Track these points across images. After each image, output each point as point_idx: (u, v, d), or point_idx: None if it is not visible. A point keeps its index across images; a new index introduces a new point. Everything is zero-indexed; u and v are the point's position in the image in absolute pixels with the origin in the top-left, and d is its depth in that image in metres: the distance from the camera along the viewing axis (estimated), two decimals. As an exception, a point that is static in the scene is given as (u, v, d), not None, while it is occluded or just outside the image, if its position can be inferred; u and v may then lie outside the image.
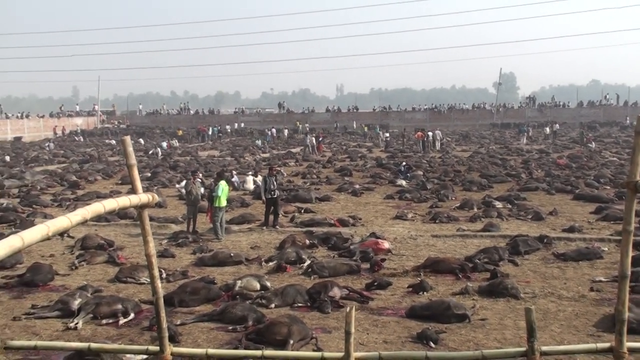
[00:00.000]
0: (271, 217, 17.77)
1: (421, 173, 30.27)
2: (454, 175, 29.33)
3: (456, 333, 9.15)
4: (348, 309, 4.63)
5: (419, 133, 48.74)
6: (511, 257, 13.53)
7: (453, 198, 22.81)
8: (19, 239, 2.40)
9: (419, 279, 11.79)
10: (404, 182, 27.06)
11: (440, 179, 28.08)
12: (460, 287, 11.31)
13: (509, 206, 20.68)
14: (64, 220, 2.84)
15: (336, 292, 10.80)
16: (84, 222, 3.14)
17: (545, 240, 14.73)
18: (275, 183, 17.86)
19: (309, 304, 10.59)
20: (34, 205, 22.41)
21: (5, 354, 4.46)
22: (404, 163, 31.93)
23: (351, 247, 14.51)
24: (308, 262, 13.25)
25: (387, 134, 52.87)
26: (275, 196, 17.73)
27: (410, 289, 11.33)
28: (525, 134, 54.95)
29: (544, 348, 4.75)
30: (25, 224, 17.69)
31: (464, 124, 72.70)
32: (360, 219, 18.75)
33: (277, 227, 17.44)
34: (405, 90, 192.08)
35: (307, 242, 15.08)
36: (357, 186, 25.85)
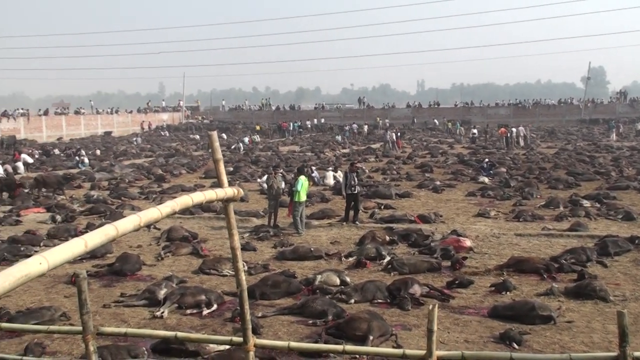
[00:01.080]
0: (351, 213, 17.77)
1: (504, 170, 29.55)
2: (538, 173, 28.48)
3: (541, 335, 8.90)
4: (430, 307, 4.57)
5: (502, 129, 47.61)
6: (600, 258, 13.02)
7: (538, 196, 22.16)
8: (114, 228, 2.48)
9: (502, 278, 11.53)
10: (486, 179, 26.51)
11: (524, 177, 27.32)
12: (545, 288, 10.98)
13: (598, 205, 19.91)
14: (154, 212, 2.92)
15: (416, 290, 10.70)
16: (172, 214, 3.22)
17: (636, 242, 14.07)
18: (356, 179, 17.83)
19: (388, 301, 10.54)
20: (122, 198, 23.25)
21: (96, 339, 4.63)
22: (487, 160, 31.31)
23: (432, 244, 14.34)
24: (388, 258, 13.18)
25: (475, 130, 51.56)
26: (356, 192, 17.70)
27: (493, 289, 11.09)
28: (615, 130, 52.75)
29: (636, 354, 4.54)
30: (115, 215, 18.40)
31: (549, 120, 70.44)
32: (441, 215, 18.50)
33: (357, 223, 17.43)
34: (488, 85, 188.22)
35: (387, 238, 15.01)
36: (438, 183, 25.52)
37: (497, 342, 8.63)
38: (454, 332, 9.05)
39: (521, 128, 48.15)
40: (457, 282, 11.43)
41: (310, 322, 9.54)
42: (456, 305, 10.38)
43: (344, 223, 17.56)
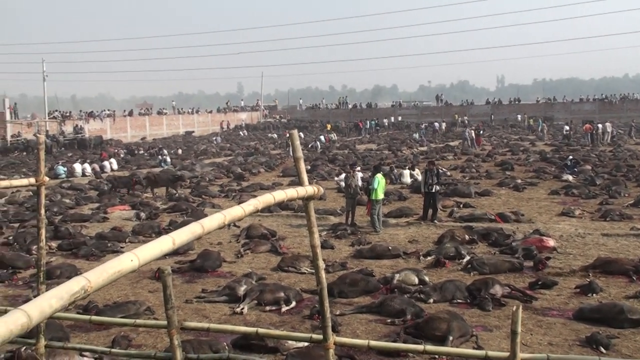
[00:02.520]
0: (430, 211, 17.57)
1: (589, 168, 28.51)
2: (626, 171, 27.33)
3: (630, 339, 8.54)
4: (514, 308, 4.45)
5: (587, 125, 45.96)
6: (694, 260, 12.38)
7: (626, 195, 21.28)
8: (200, 226, 2.53)
9: (588, 279, 11.12)
10: (570, 177, 25.65)
11: (611, 174, 26.29)
12: (635, 291, 10.52)
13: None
14: (238, 210, 2.96)
15: (497, 290, 10.47)
16: (255, 212, 3.25)
17: None
18: (434, 177, 17.60)
19: (468, 301, 10.36)
20: (203, 196, 23.78)
21: (180, 334, 4.74)
22: (571, 157, 30.30)
23: (513, 243, 13.99)
24: (468, 257, 12.95)
25: (567, 127, 49.57)
26: (434, 190, 17.48)
27: (578, 290, 10.72)
28: None
29: None
30: (196, 213, 18.84)
31: (638, 116, 67.44)
32: (522, 214, 18.01)
33: (436, 221, 17.21)
34: (572, 80, 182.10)
35: (467, 237, 14.75)
36: (519, 181, 24.89)
37: (583, 345, 8.34)
38: (537, 335, 8.80)
39: (607, 124, 46.32)
40: (540, 282, 11.11)
41: (389, 321, 9.48)
42: (539, 306, 10.10)
43: (423, 222, 17.37)
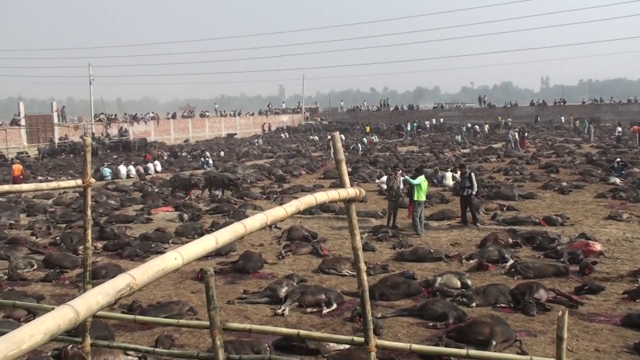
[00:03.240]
0: (470, 215, 17.32)
1: (638, 170, 27.83)
2: (677, 174, 26.59)
3: (681, 347, 8.28)
4: (560, 313, 4.35)
5: (635, 127, 44.86)
6: None
7: (676, 198, 20.69)
8: (242, 227, 2.54)
9: (637, 284, 10.85)
10: (617, 180, 25.06)
11: (660, 177, 25.61)
12: (686, 297, 10.22)
13: None
14: (280, 211, 2.96)
15: (542, 294, 10.28)
16: (297, 213, 3.25)
17: None
18: (466, 180, 17.28)
19: (512, 305, 10.21)
20: (245, 197, 23.96)
21: (222, 334, 4.78)
22: (618, 159, 29.60)
23: (558, 247, 13.73)
24: (511, 261, 12.76)
25: (620, 128, 48.19)
26: (466, 194, 17.19)
27: (626, 296, 10.47)
28: None
29: None
30: (238, 214, 18.99)
31: (689, 117, 65.50)
32: (568, 218, 17.67)
33: (478, 224, 16.99)
34: (619, 80, 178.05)
35: (510, 240, 14.53)
36: (565, 183, 24.41)
37: (631, 352, 8.14)
38: (583, 341, 8.62)
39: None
40: (586, 287, 10.88)
41: (431, 324, 9.41)
42: (585, 312, 9.89)
43: (463, 225, 17.16)
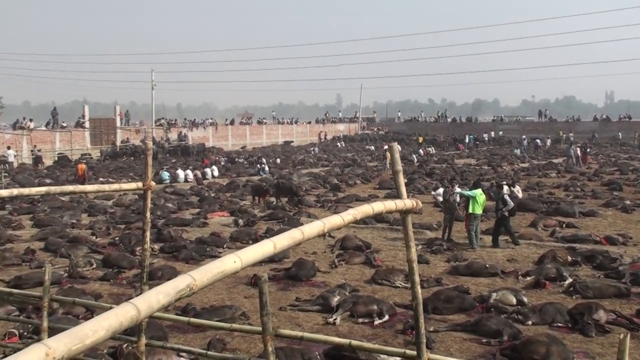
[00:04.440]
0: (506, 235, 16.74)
1: None
2: None
3: None
4: (622, 336, 4.20)
5: None
6: None
7: None
8: (300, 233, 2.55)
9: (703, 310, 10.42)
10: (684, 200, 24.17)
11: None
12: None
13: None
14: (337, 219, 2.96)
15: (602, 315, 9.97)
16: (353, 222, 3.24)
17: None
18: (502, 202, 16.53)
19: (569, 325, 9.93)
20: (299, 205, 24.06)
21: (274, 340, 4.79)
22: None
23: (620, 267, 13.30)
24: (570, 280, 12.43)
25: None
26: (500, 215, 16.50)
27: (691, 321, 10.05)
28: None
29: None
30: (292, 222, 19.09)
31: None
32: (630, 237, 17.10)
33: (516, 244, 16.40)
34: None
35: (569, 258, 14.16)
36: (628, 202, 23.66)
37: (695, 380, 7.80)
38: (644, 365, 8.32)
39: None
40: (648, 310, 10.50)
41: (484, 340, 9.23)
42: (647, 335, 9.54)
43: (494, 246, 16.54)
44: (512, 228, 16.97)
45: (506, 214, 16.39)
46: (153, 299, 1.82)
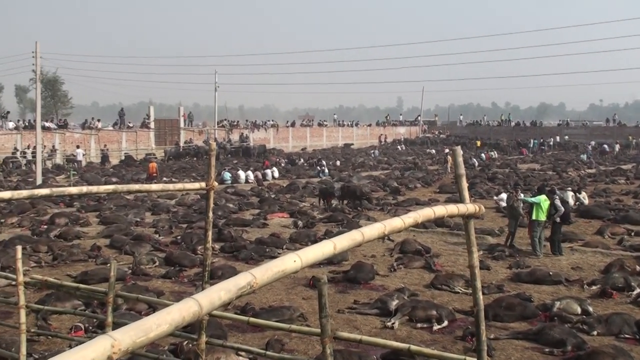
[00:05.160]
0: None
1: None
2: None
3: None
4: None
5: None
6: None
7: None
8: (360, 234, 2.54)
9: None
10: None
11: None
12: None
13: None
14: (398, 222, 2.93)
15: (672, 328, 9.59)
16: (414, 226, 3.20)
17: None
18: (554, 207, 15.89)
19: (637, 337, 9.58)
20: (358, 208, 23.98)
21: (332, 343, 4.78)
22: None
23: (693, 279, 12.76)
24: (638, 290, 12.00)
25: None
26: (552, 221, 16.02)
27: None
28: None
29: None
30: (351, 224, 19.04)
31: None
32: None
33: (558, 253, 15.86)
34: None
35: (638, 268, 13.67)
36: (703, 211, 22.68)
37: None
38: None
39: None
40: None
41: (547, 350, 9.01)
42: None
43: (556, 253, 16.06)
44: (561, 235, 16.52)
45: (557, 220, 15.94)
46: (214, 295, 1.84)
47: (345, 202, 24.84)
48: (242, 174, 35.19)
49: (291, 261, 2.13)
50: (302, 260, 2.17)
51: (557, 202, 16.19)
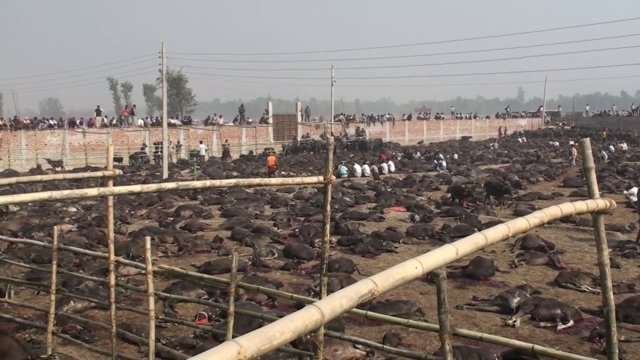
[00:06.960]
0: None
1: None
2: None
3: None
4: None
5: None
6: None
7: None
8: (483, 238, 2.47)
9: None
10: None
11: None
12: None
13: None
14: (522, 222, 2.82)
15: None
16: (541, 225, 3.08)
17: None
18: None
19: None
20: (477, 202, 23.39)
21: (451, 339, 4.70)
22: None
23: None
24: None
25: None
26: None
27: None
28: None
29: None
30: (470, 219, 18.61)
31: None
32: None
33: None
34: None
35: None
36: None
37: None
38: None
39: None
40: None
41: (684, 355, 8.42)
42: None
43: None
44: None
45: None
46: (336, 303, 1.87)
47: (491, 198, 23.62)
48: (358, 167, 35.34)
49: (412, 267, 2.11)
50: (423, 267, 2.15)
51: None
